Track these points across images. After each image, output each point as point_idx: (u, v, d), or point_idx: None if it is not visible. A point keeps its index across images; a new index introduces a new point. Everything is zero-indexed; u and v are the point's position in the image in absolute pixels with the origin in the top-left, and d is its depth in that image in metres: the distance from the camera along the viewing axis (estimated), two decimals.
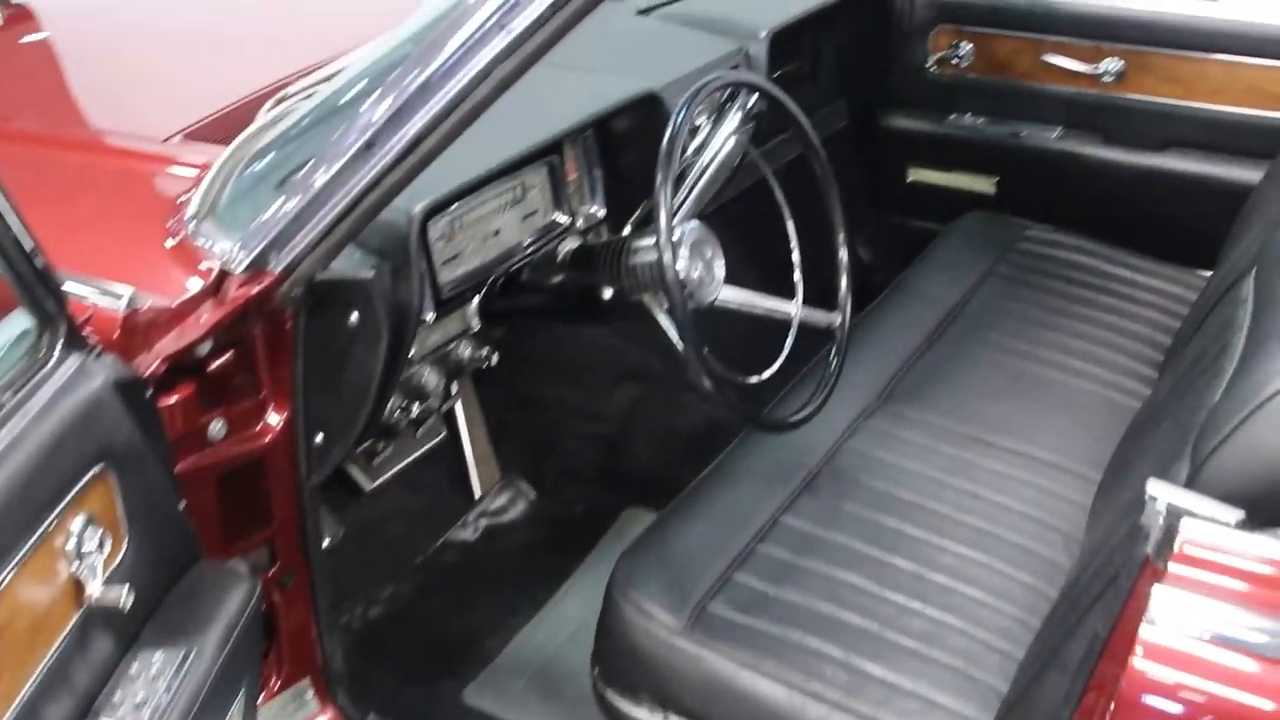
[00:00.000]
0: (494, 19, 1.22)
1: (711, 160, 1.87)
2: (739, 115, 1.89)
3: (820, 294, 1.88)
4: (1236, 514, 1.10)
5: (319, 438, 1.57)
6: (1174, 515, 1.11)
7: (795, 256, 1.87)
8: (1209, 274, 2.33)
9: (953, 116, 2.78)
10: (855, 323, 2.33)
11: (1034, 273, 2.46)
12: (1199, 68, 2.50)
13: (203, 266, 1.38)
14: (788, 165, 2.14)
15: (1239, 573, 1.07)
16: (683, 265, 1.68)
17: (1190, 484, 1.21)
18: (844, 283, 1.89)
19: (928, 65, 2.77)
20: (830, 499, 1.87)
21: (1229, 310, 1.70)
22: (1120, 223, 2.59)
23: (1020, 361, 2.20)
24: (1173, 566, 1.07)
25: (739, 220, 2.22)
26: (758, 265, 2.03)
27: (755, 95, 1.94)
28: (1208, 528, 1.08)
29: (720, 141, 1.87)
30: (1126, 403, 2.08)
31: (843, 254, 1.90)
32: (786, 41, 2.44)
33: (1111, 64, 2.57)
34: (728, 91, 1.93)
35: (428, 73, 1.25)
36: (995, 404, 2.10)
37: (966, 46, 2.72)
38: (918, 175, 2.86)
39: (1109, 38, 2.57)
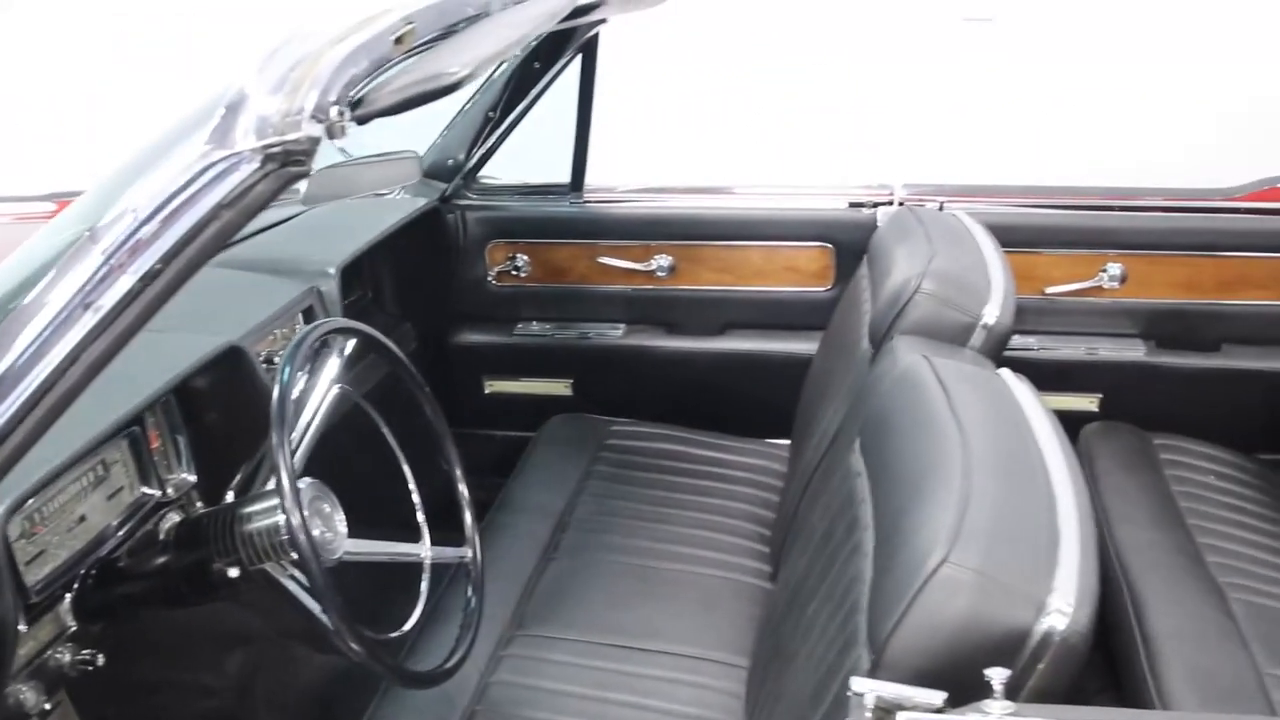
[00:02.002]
0: (78, 299, 1.09)
1: (316, 412, 1.75)
2: (337, 360, 1.78)
3: (435, 524, 1.80)
4: (940, 695, 1.10)
5: None
6: (886, 710, 1.10)
7: (415, 498, 1.78)
8: (787, 443, 2.45)
9: (520, 326, 2.80)
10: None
11: (630, 468, 2.48)
12: (742, 254, 2.67)
13: None
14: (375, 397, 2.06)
15: None
16: (296, 526, 1.54)
17: (876, 669, 1.22)
18: (468, 516, 1.82)
19: (488, 279, 2.78)
20: None
21: (841, 483, 1.77)
22: (696, 406, 2.68)
23: (641, 560, 2.20)
24: None
25: (343, 466, 2.09)
26: (370, 510, 1.91)
27: (351, 339, 1.85)
28: (920, 717, 1.08)
29: (322, 390, 1.76)
30: (751, 582, 2.12)
31: (462, 487, 1.83)
32: (348, 274, 2.37)
33: (662, 260, 2.69)
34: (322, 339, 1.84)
35: (3, 366, 1.08)
36: (630, 609, 2.07)
37: (523, 258, 2.76)
38: (494, 387, 2.84)
39: (656, 236, 2.69)
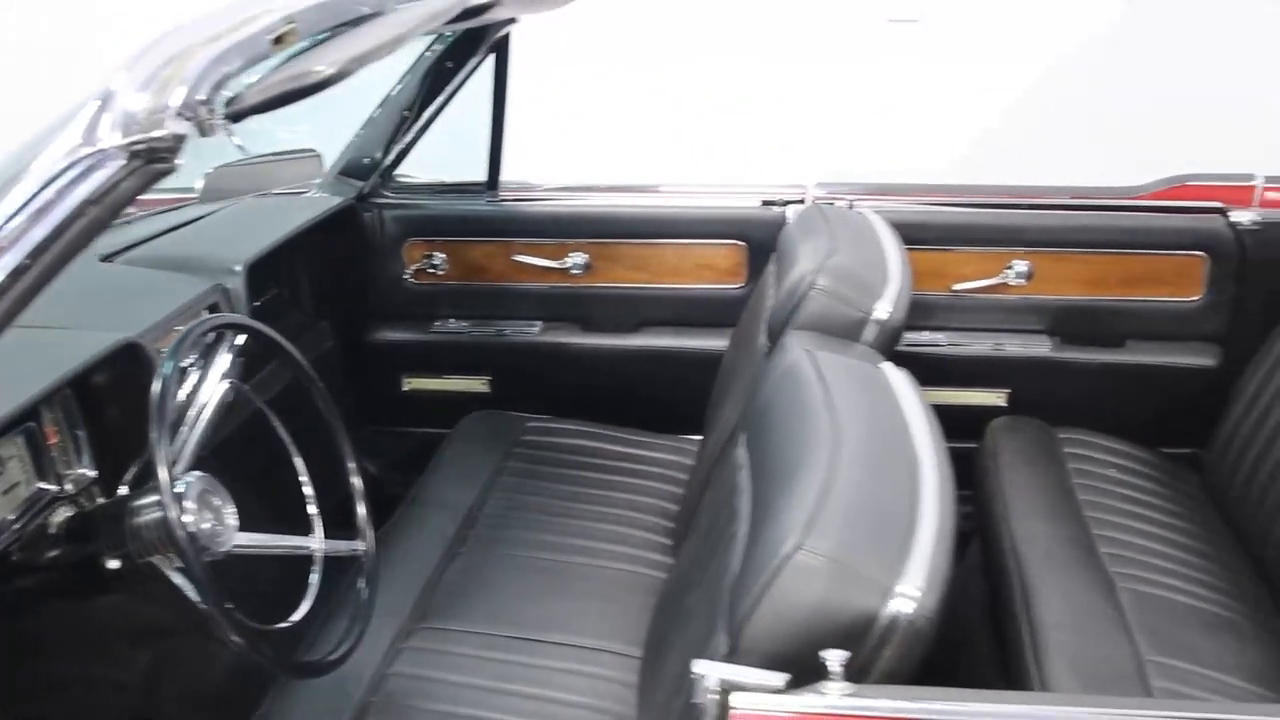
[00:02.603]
0: None
1: (205, 405, 1.76)
2: (228, 355, 1.80)
3: (340, 519, 1.81)
4: (782, 678, 1.13)
5: None
6: (724, 690, 1.14)
7: (308, 490, 1.80)
8: (700, 438, 2.48)
9: (438, 323, 2.82)
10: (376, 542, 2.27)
11: (542, 464, 2.51)
12: (656, 252, 2.70)
13: None
14: (283, 395, 2.08)
15: None
16: (191, 518, 1.56)
17: (732, 654, 1.25)
18: (361, 508, 1.84)
19: (405, 277, 2.79)
20: None
21: (728, 475, 1.80)
22: (612, 403, 2.71)
23: (546, 554, 2.22)
24: None
25: (242, 460, 2.11)
26: (271, 504, 1.93)
27: (243, 335, 1.87)
28: (757, 698, 1.11)
29: (212, 385, 1.78)
30: (651, 574, 2.15)
31: (355, 480, 1.85)
32: (261, 272, 2.39)
33: (578, 257, 2.72)
34: (213, 334, 1.85)
35: None
36: (532, 602, 2.09)
37: (440, 256, 2.77)
38: (412, 384, 2.86)
39: (571, 234, 2.72)
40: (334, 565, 1.79)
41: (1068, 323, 2.66)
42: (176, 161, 1.27)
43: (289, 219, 2.48)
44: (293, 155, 2.07)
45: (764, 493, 1.53)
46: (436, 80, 2.62)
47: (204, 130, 1.30)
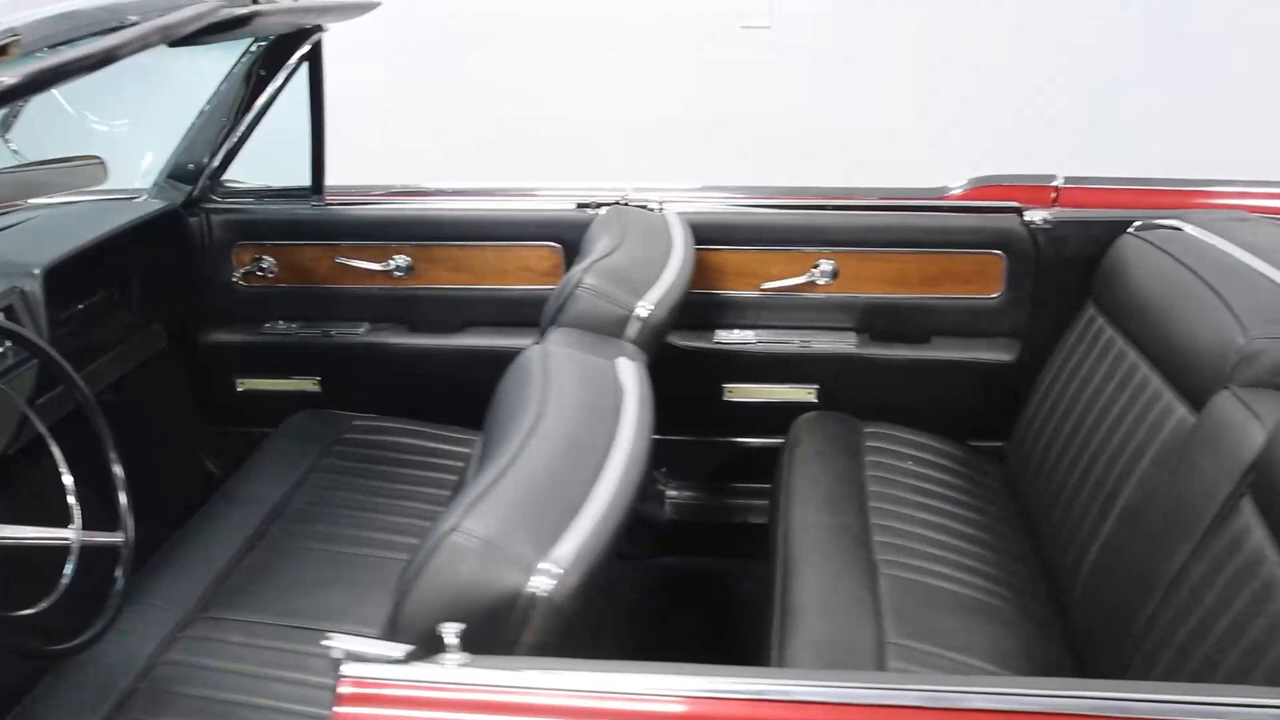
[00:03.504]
0: None
1: None
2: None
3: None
4: (403, 649, 1.20)
5: None
6: (353, 661, 1.21)
7: (67, 480, 1.86)
8: None
9: (268, 325, 2.87)
10: (179, 535, 2.34)
11: (359, 460, 2.57)
12: (477, 254, 2.77)
13: None
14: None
15: (406, 701, 1.17)
16: None
17: (392, 632, 1.31)
18: (123, 499, 1.90)
19: (235, 280, 2.85)
20: (143, 715, 1.84)
21: (473, 468, 1.87)
22: (438, 401, 2.77)
23: (343, 547, 2.28)
24: (338, 709, 1.15)
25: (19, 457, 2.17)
26: (42, 496, 1.98)
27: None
28: (368, 667, 1.18)
29: None
30: None
31: (116, 469, 1.91)
32: (82, 276, 2.44)
33: (400, 260, 2.79)
34: None
35: None
36: (319, 593, 2.15)
37: (269, 259, 2.84)
38: (246, 385, 2.91)
39: (394, 237, 2.79)
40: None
41: (874, 320, 2.74)
42: None
43: (101, 224, 2.54)
44: (73, 161, 2.12)
45: (465, 483, 1.61)
46: (252, 88, 2.68)
47: None
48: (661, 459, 2.95)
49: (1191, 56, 3.70)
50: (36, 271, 2.28)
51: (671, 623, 2.76)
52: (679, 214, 2.65)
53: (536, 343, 1.99)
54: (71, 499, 1.86)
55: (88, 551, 1.83)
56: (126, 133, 2.96)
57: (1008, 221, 2.64)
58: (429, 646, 1.23)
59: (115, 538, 1.87)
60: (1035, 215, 2.63)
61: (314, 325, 2.86)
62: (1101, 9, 3.72)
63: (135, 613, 2.04)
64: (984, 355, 2.71)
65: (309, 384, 2.89)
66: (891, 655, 1.94)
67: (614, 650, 1.71)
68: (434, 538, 1.35)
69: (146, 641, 1.98)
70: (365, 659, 1.20)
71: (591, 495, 1.45)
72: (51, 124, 2.92)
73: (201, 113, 2.74)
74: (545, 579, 1.30)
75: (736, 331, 2.77)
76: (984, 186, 2.74)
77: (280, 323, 2.88)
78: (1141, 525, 1.96)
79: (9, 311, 2.22)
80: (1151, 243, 2.37)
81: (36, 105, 2.93)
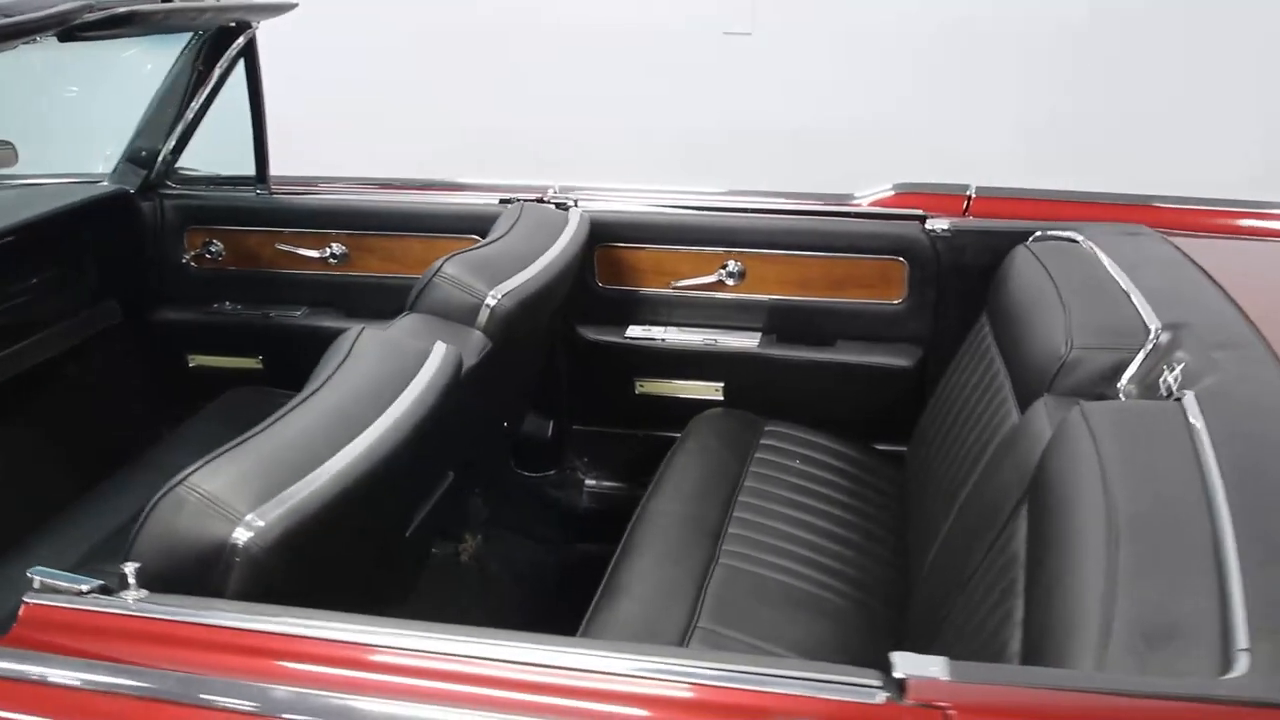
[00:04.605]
0: None
1: None
2: None
3: None
4: (91, 583, 1.34)
5: None
6: (49, 590, 1.34)
7: None
8: None
9: (215, 305, 3.05)
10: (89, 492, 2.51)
11: None
12: (405, 245, 2.91)
13: None
14: None
15: (71, 628, 1.30)
16: None
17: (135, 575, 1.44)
18: None
19: (186, 261, 3.04)
20: None
21: None
22: None
23: None
24: (15, 630, 1.29)
25: None
26: None
27: None
28: (50, 596, 1.32)
29: None
30: None
31: None
32: (33, 250, 2.65)
33: (336, 248, 2.94)
34: None
35: None
36: None
37: (217, 244, 3.01)
38: (197, 360, 3.09)
39: (331, 226, 2.94)
40: None
41: (780, 321, 2.81)
42: None
43: (49, 203, 2.74)
44: None
45: None
46: (194, 81, 2.85)
47: None
48: (581, 449, 3.05)
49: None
50: None
51: (572, 602, 2.86)
52: (590, 212, 2.75)
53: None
54: None
55: None
56: (96, 121, 3.16)
57: (909, 229, 2.69)
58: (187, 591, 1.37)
59: None
60: (936, 224, 2.67)
61: (257, 307, 3.03)
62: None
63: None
64: (886, 360, 2.76)
65: (253, 362, 3.06)
66: (695, 639, 2.02)
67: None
68: (163, 489, 1.48)
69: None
70: (56, 590, 1.33)
71: (328, 462, 1.57)
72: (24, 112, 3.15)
73: (152, 102, 2.93)
74: (245, 530, 1.42)
75: (647, 328, 2.85)
76: (905, 194, 2.78)
77: (227, 303, 3.05)
78: (965, 526, 2.01)
79: None
80: (1036, 254, 2.40)
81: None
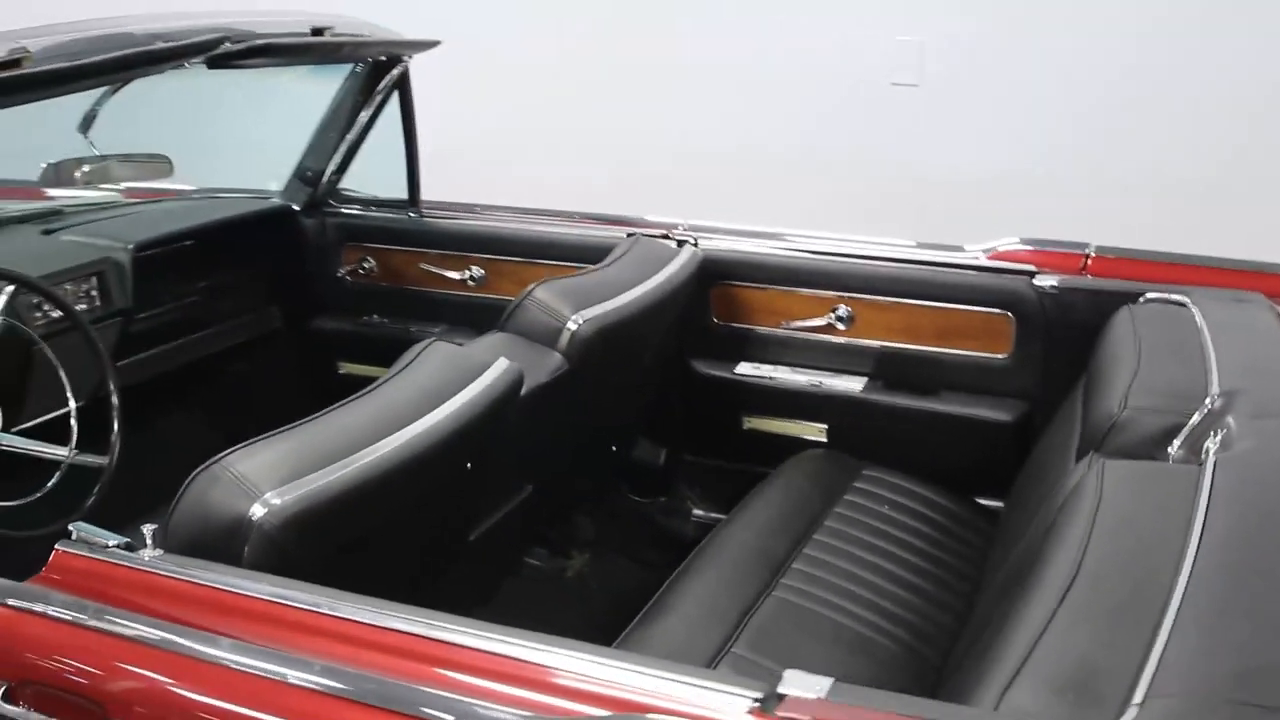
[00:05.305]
0: None
1: None
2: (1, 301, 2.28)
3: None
4: (117, 539, 1.52)
5: None
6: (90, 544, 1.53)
7: (71, 404, 2.29)
8: None
9: (365, 317, 3.29)
10: None
11: None
12: (536, 271, 3.06)
13: None
14: None
15: (87, 574, 1.48)
16: None
17: (163, 536, 1.62)
18: (116, 426, 2.31)
19: (343, 275, 3.28)
20: None
21: None
22: None
23: None
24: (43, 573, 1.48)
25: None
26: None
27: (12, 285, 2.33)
28: (78, 545, 1.51)
29: None
30: None
31: (115, 399, 2.32)
32: (209, 254, 2.94)
33: (475, 271, 3.13)
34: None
35: None
36: None
37: (371, 260, 3.25)
38: (347, 368, 3.33)
39: (471, 249, 3.13)
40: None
41: (886, 368, 2.83)
42: None
43: (212, 215, 3.03)
44: (143, 158, 2.59)
45: None
46: (354, 109, 3.10)
47: None
48: (692, 480, 3.14)
49: None
50: (130, 246, 2.76)
51: None
52: (708, 251, 2.85)
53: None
54: (73, 422, 2.29)
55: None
56: (268, 141, 3.46)
57: (1018, 284, 2.68)
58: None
59: (100, 460, 2.29)
60: (1045, 280, 2.66)
61: (401, 322, 3.24)
62: None
63: None
64: (989, 413, 2.75)
65: None
66: (725, 663, 2.06)
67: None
68: (203, 466, 1.66)
69: None
70: (86, 543, 1.52)
71: (356, 454, 1.72)
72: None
73: (318, 127, 3.19)
74: (261, 507, 1.58)
75: (757, 365, 2.92)
76: (1022, 249, 2.77)
77: (375, 316, 3.28)
78: (1004, 578, 2.02)
79: (100, 276, 2.71)
80: (1135, 316, 2.37)
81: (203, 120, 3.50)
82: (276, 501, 1.59)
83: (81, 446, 2.28)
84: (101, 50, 2.09)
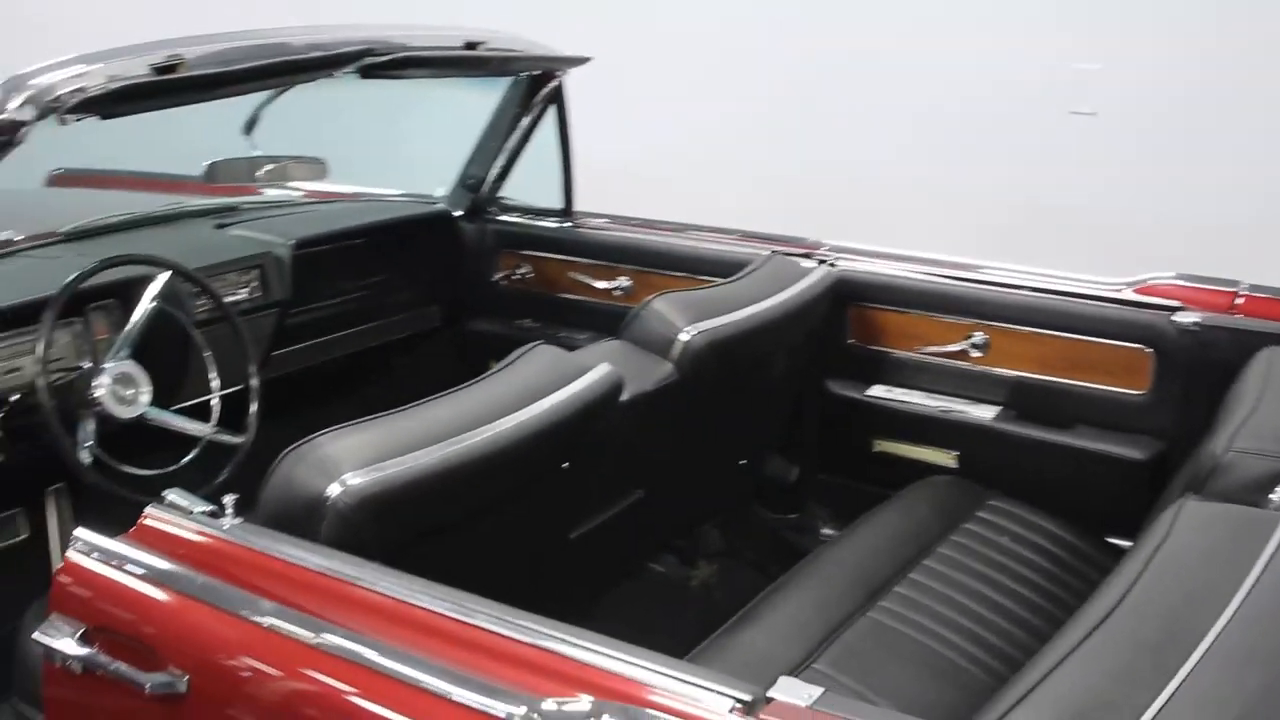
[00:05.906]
0: None
1: (142, 318, 2.43)
2: (156, 286, 2.46)
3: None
4: (205, 506, 1.65)
5: None
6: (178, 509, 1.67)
7: (214, 384, 2.47)
8: None
9: (518, 321, 3.41)
10: None
11: None
12: (679, 284, 3.10)
13: None
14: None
15: (167, 537, 1.61)
16: (104, 392, 2.28)
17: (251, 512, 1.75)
18: (253, 408, 2.47)
19: (498, 280, 3.41)
20: None
21: None
22: None
23: None
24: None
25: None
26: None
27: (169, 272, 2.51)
28: (168, 511, 1.64)
29: (143, 305, 2.44)
30: None
31: (254, 381, 2.49)
32: (375, 252, 3.12)
33: (624, 281, 3.21)
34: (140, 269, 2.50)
35: None
36: None
37: (525, 267, 3.37)
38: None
39: (620, 260, 3.22)
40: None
41: (1020, 397, 2.78)
42: (17, 138, 1.97)
43: (370, 217, 3.20)
44: (299, 159, 2.76)
45: None
46: (513, 121, 3.22)
47: (59, 120, 2.00)
48: (823, 498, 3.14)
49: None
50: (290, 242, 2.94)
51: None
52: (846, 272, 2.85)
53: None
54: (215, 401, 2.47)
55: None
56: (434, 149, 3.61)
57: (1158, 319, 2.60)
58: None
59: (237, 439, 2.45)
60: (1185, 317, 2.57)
61: (551, 328, 3.35)
62: None
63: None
64: (1122, 450, 2.67)
65: None
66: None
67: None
68: (295, 444, 1.78)
69: None
70: (174, 507, 1.66)
71: (439, 444, 1.81)
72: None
73: (481, 136, 3.33)
74: (338, 487, 1.69)
75: (889, 388, 2.91)
76: (1173, 285, 2.69)
77: (527, 321, 3.40)
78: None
79: (262, 269, 2.89)
80: (1275, 357, 2.29)
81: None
82: (354, 482, 1.69)
83: (224, 427, 2.45)
84: (253, 58, 2.25)
